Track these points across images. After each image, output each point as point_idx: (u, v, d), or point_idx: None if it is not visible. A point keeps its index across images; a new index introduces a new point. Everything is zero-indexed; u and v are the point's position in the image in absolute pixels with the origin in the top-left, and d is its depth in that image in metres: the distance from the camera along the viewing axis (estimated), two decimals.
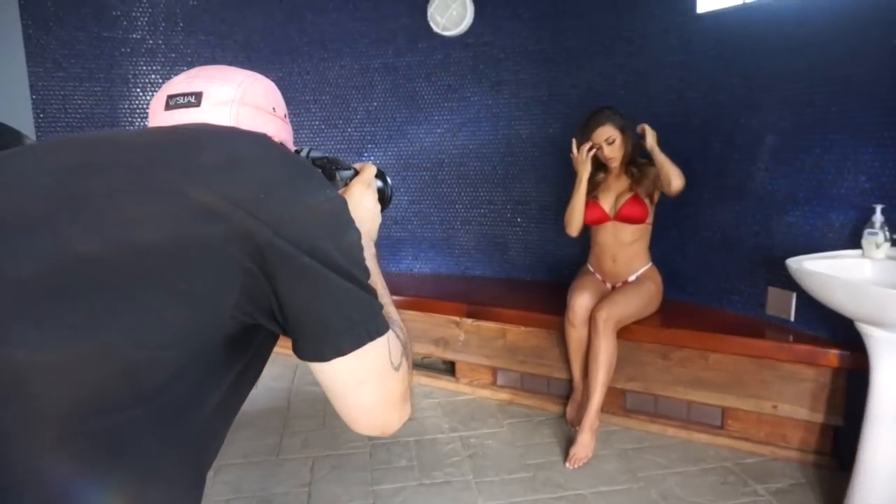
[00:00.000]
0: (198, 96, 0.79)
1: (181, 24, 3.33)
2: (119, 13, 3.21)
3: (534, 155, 3.26)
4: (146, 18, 3.27)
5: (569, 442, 2.41)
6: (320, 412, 2.81)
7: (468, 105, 3.38)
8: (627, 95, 2.87)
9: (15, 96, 2.94)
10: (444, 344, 3.02)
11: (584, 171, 2.57)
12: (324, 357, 0.65)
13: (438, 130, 3.46)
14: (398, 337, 0.74)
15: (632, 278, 2.62)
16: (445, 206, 3.53)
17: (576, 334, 2.50)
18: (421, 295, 3.10)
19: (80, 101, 3.20)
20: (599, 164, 2.61)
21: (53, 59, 3.11)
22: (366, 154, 3.58)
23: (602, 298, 2.49)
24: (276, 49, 3.46)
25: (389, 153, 3.56)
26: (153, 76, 3.33)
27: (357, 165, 0.99)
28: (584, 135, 2.53)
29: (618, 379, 2.55)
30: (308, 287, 0.63)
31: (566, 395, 2.71)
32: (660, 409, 2.56)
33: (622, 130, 2.50)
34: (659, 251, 2.79)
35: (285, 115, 0.90)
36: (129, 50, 3.26)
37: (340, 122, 3.56)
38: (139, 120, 3.33)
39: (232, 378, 0.68)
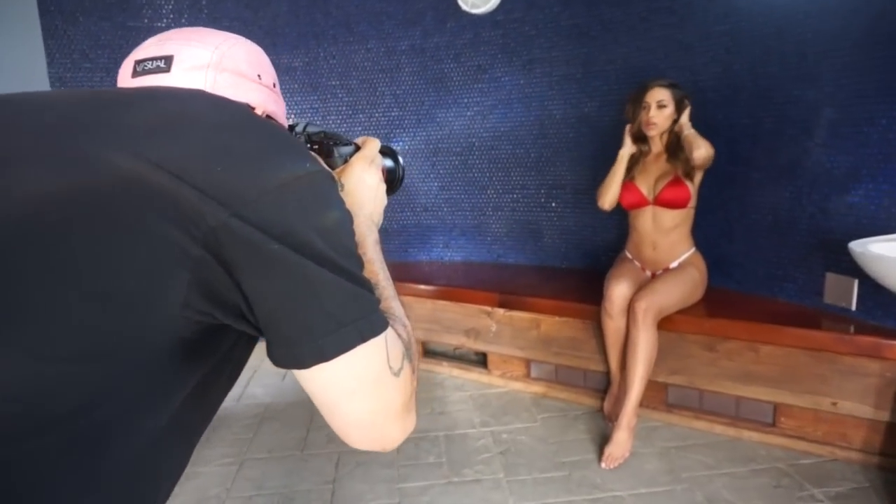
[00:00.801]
0: (167, 60, 0.69)
1: (206, 11, 3.28)
2: (144, 1, 3.17)
3: (568, 136, 3.10)
4: (171, 6, 3.22)
5: (606, 439, 2.27)
6: None
7: (499, 86, 3.23)
8: (669, 70, 2.68)
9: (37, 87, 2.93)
10: (476, 335, 2.91)
11: (627, 148, 2.42)
12: (303, 363, 0.54)
13: (468, 113, 3.33)
14: (400, 336, 0.64)
15: (673, 265, 2.45)
16: (476, 192, 3.40)
17: (613, 325, 2.35)
18: (451, 284, 2.99)
19: None
20: (640, 137, 2.45)
21: (80, 50, 3.10)
22: (394, 139, 3.47)
23: (641, 287, 2.33)
24: (301, 33, 3.38)
25: (418, 138, 3.45)
26: None
27: (359, 140, 0.88)
28: (639, 95, 2.40)
29: (659, 372, 2.40)
30: (280, 280, 0.52)
31: (603, 388, 2.57)
32: (705, 405, 2.39)
33: (677, 102, 2.34)
34: (703, 235, 2.61)
35: (274, 85, 0.79)
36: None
37: (367, 107, 3.46)
38: None
39: (188, 391, 0.57)
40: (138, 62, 0.71)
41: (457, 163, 3.41)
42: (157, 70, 0.69)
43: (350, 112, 3.48)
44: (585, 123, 3.03)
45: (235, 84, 0.71)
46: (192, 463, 2.28)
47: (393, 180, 1.02)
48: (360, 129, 3.49)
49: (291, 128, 0.89)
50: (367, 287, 0.58)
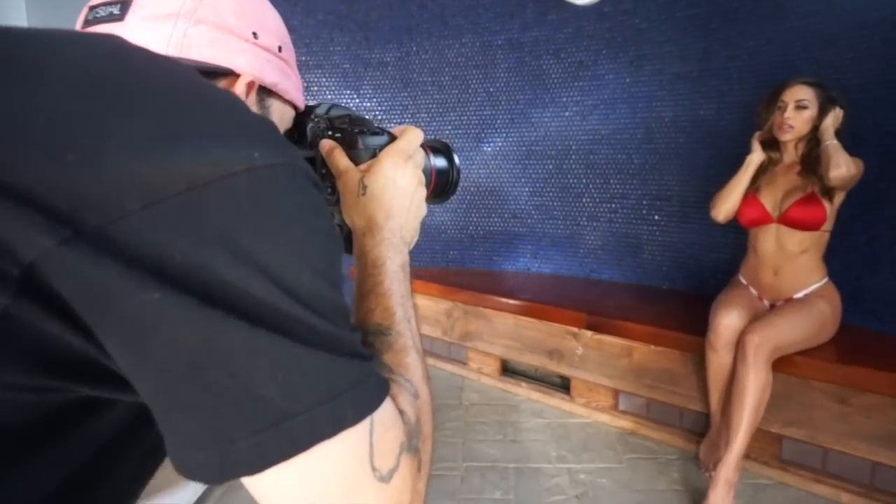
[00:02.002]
0: (124, 5, 0.51)
1: (301, 4, 3.24)
2: None
3: (678, 142, 2.75)
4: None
5: (702, 493, 1.93)
6: None
7: (602, 84, 2.94)
8: (806, 66, 2.29)
9: None
10: (559, 357, 2.64)
11: (756, 154, 2.07)
12: (217, 476, 0.35)
13: (566, 114, 3.06)
14: (403, 415, 0.44)
15: (798, 296, 2.06)
16: (571, 200, 3.12)
17: (717, 360, 2.01)
18: (536, 299, 2.74)
19: None
20: (771, 143, 2.09)
21: None
22: (485, 140, 3.27)
23: (755, 318, 1.98)
24: (394, 27, 3.25)
25: (510, 139, 3.22)
26: None
27: (397, 129, 0.68)
28: (775, 92, 2.05)
29: (773, 421, 2.03)
30: (166, 349, 0.33)
31: (703, 431, 2.22)
32: (830, 467, 1.99)
33: (821, 105, 1.97)
34: (839, 264, 2.20)
35: (280, 49, 0.60)
36: None
37: (459, 104, 3.28)
38: None
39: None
40: (91, 7, 0.53)
41: (551, 167, 3.15)
42: (110, 18, 0.51)
43: (440, 110, 3.31)
44: (699, 128, 2.67)
45: (215, 41, 0.53)
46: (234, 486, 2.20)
47: (445, 184, 0.82)
48: (450, 128, 3.32)
49: (311, 109, 0.70)
50: (347, 348, 0.39)
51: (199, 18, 0.52)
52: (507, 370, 2.92)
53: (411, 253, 0.64)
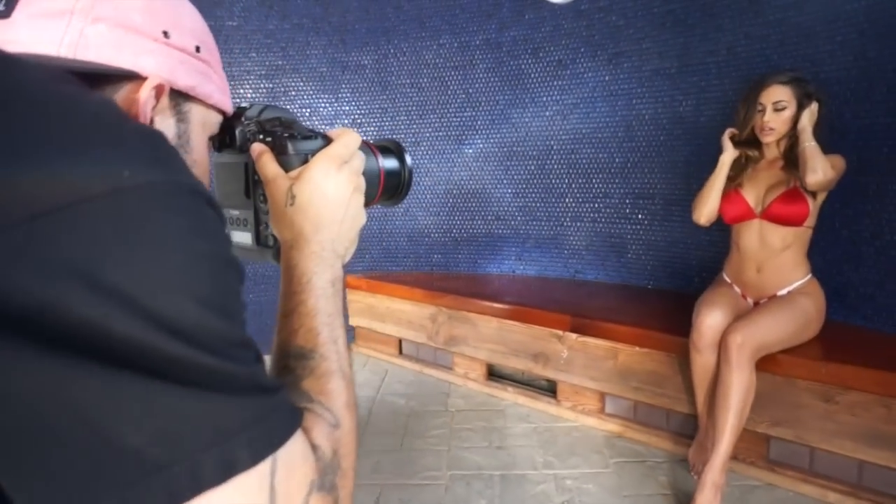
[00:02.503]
0: (9, 1, 0.46)
1: (276, 8, 3.19)
2: (215, 0, 3.12)
3: (658, 140, 2.73)
4: (241, 4, 3.16)
5: (689, 496, 1.90)
6: (400, 429, 2.52)
7: (581, 83, 2.91)
8: (783, 60, 2.27)
9: None
10: (545, 360, 2.60)
11: (728, 153, 2.04)
12: None
13: (546, 113, 3.03)
14: (317, 450, 0.42)
15: (781, 293, 2.04)
16: (554, 200, 3.09)
17: (701, 361, 1.98)
18: (520, 302, 2.71)
19: None
20: (752, 141, 2.06)
21: None
22: (466, 142, 3.23)
23: (739, 317, 1.95)
24: (371, 29, 3.21)
25: (491, 141, 3.18)
26: (248, 64, 3.22)
27: (334, 132, 0.63)
28: (752, 93, 2.01)
29: (759, 421, 2.01)
30: (10, 406, 0.30)
31: (690, 433, 2.20)
32: (817, 466, 1.97)
33: (799, 102, 1.94)
34: (822, 259, 2.18)
35: (199, 49, 0.54)
36: (223, 38, 3.17)
37: (438, 106, 3.24)
38: None
39: None
40: None
41: (533, 167, 3.11)
42: None
43: (420, 112, 3.27)
44: (679, 125, 2.64)
45: (117, 42, 0.47)
46: None
47: (397, 186, 0.78)
48: (430, 130, 3.28)
49: (242, 111, 0.66)
50: (241, 384, 0.35)
51: (97, 16, 0.46)
52: (494, 375, 2.89)
53: (347, 266, 0.61)
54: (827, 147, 1.96)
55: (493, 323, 2.76)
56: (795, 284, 2.03)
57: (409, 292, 3.07)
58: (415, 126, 3.29)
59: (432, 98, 3.24)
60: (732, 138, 2.05)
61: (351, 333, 3.48)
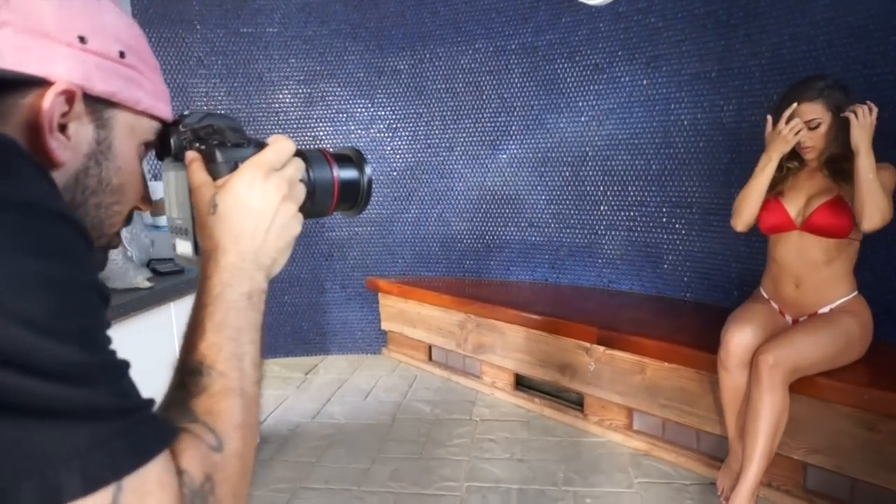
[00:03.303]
0: None
1: (314, 14, 3.23)
2: (256, 7, 3.19)
3: (698, 146, 2.61)
4: (281, 11, 3.22)
5: None
6: (422, 437, 2.50)
7: (617, 87, 2.82)
8: (831, 62, 2.13)
9: None
10: (572, 372, 2.53)
11: (777, 149, 1.88)
12: None
13: (582, 119, 2.95)
14: (184, 474, 0.40)
15: (823, 311, 1.90)
16: (588, 208, 3.01)
17: (730, 381, 1.87)
18: (548, 311, 2.64)
19: (221, 98, 3.25)
20: (792, 153, 1.93)
21: (196, 57, 3.19)
22: (500, 147, 3.18)
23: (773, 336, 1.83)
24: (407, 34, 3.21)
25: (526, 146, 3.13)
26: (287, 70, 3.28)
27: (270, 139, 0.61)
28: (782, 109, 1.86)
29: (796, 447, 1.88)
30: None
31: (722, 456, 2.08)
32: (858, 499, 1.82)
33: (834, 113, 1.80)
34: (871, 274, 2.04)
35: (123, 54, 0.52)
36: (264, 44, 3.23)
37: (473, 111, 3.21)
38: (275, 117, 3.30)
39: None
40: None
41: (567, 174, 3.04)
42: None
43: (454, 117, 3.25)
44: (720, 131, 2.52)
45: (24, 47, 0.46)
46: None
47: (356, 195, 0.75)
48: (464, 135, 3.25)
49: (182, 118, 0.64)
50: (76, 408, 0.34)
51: (2, 21, 0.45)
52: (522, 385, 2.83)
53: (275, 278, 0.58)
54: (876, 156, 1.82)
55: (521, 332, 2.71)
56: (839, 302, 1.90)
57: (439, 298, 3.05)
58: (449, 131, 3.27)
59: (467, 103, 3.21)
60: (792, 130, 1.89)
61: (383, 338, 3.49)
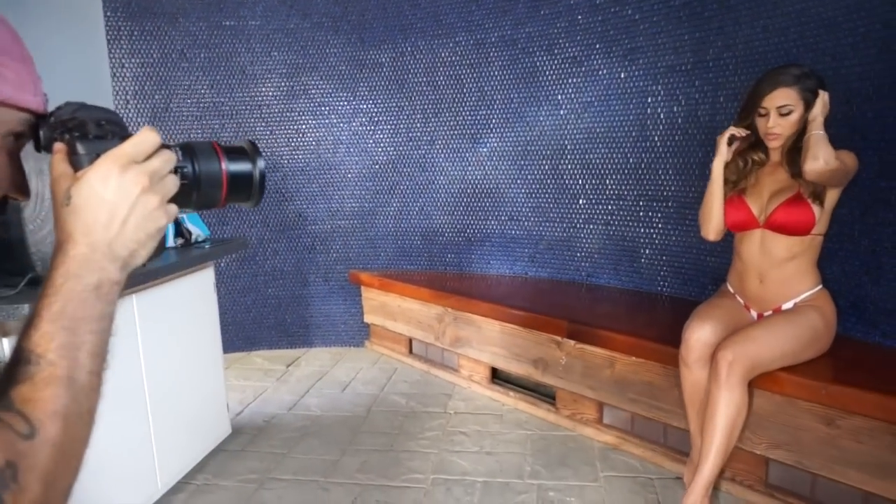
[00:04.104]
0: None
1: (295, 7, 3.23)
2: (239, 1, 3.19)
3: (674, 139, 2.59)
4: (264, 4, 3.21)
5: None
6: (395, 430, 2.51)
7: (595, 80, 2.80)
8: (802, 54, 2.10)
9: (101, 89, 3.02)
10: (545, 366, 2.53)
11: (719, 158, 1.90)
12: None
13: (561, 112, 2.93)
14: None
15: (787, 306, 1.89)
16: (567, 201, 3.00)
17: (690, 377, 1.87)
18: (521, 305, 2.63)
19: (204, 91, 3.26)
20: (756, 143, 1.91)
21: (179, 50, 3.19)
22: (480, 141, 3.17)
23: (736, 331, 1.82)
24: (388, 27, 3.21)
25: (506, 139, 3.12)
26: (270, 63, 3.28)
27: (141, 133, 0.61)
28: (755, 97, 1.84)
29: (758, 442, 1.88)
30: None
31: (688, 450, 2.07)
32: (819, 494, 1.81)
33: (806, 102, 1.78)
34: (839, 270, 2.02)
35: None
36: (246, 37, 3.24)
37: (453, 104, 3.20)
38: (258, 111, 3.31)
39: None
40: None
41: (547, 167, 3.03)
42: None
43: (435, 110, 3.24)
44: (694, 124, 2.50)
45: None
46: (215, 474, 2.18)
47: (248, 187, 0.75)
48: (445, 129, 3.24)
49: (57, 109, 0.65)
50: None
51: None
52: (498, 378, 2.83)
53: (135, 270, 0.58)
54: (846, 147, 1.80)
55: (497, 326, 2.71)
56: (803, 296, 1.88)
57: (418, 291, 3.05)
58: (431, 124, 3.26)
59: (448, 96, 3.20)
60: (730, 141, 1.90)
61: (366, 331, 3.50)
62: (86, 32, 2.81)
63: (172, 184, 0.62)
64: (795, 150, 1.82)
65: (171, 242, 2.14)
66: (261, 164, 0.75)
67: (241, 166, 0.74)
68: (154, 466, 1.91)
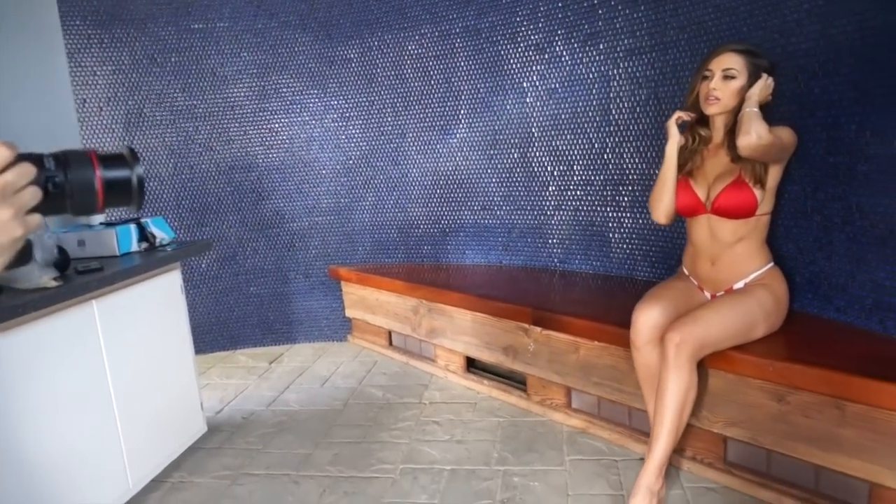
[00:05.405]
0: None
1: (263, 7, 3.24)
2: (206, 2, 3.21)
3: (637, 123, 2.59)
4: (230, 6, 3.23)
5: None
6: (369, 422, 2.55)
7: (559, 66, 2.80)
8: (753, 32, 2.10)
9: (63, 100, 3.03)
10: (514, 353, 2.55)
11: (672, 141, 1.92)
12: None
13: (527, 100, 2.94)
14: None
15: (738, 286, 1.90)
16: (537, 189, 3.01)
17: (641, 360, 1.89)
18: (490, 294, 2.66)
19: (176, 95, 3.29)
20: (702, 118, 1.93)
21: (149, 55, 3.22)
22: (449, 132, 3.19)
23: (686, 313, 1.83)
24: (354, 22, 3.21)
25: (475, 130, 3.13)
26: (241, 64, 3.30)
27: None
28: (704, 64, 1.88)
29: (715, 420, 1.90)
30: None
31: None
32: (774, 470, 1.83)
33: (751, 74, 1.79)
34: (795, 247, 2.04)
35: None
36: (215, 39, 3.26)
37: (422, 97, 3.21)
38: (230, 112, 3.33)
39: None
40: None
41: (516, 156, 3.04)
42: None
43: (405, 104, 3.26)
44: (653, 105, 2.50)
45: None
46: (190, 472, 2.22)
47: (127, 193, 0.78)
48: (414, 121, 3.26)
49: None
50: None
51: None
52: (474, 367, 2.86)
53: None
54: (794, 125, 1.81)
55: (468, 315, 2.73)
56: (753, 276, 1.89)
57: (393, 284, 3.09)
58: (401, 118, 3.28)
59: (416, 89, 3.21)
60: (679, 123, 1.91)
61: (348, 325, 3.53)
62: (44, 42, 2.81)
63: (31, 195, 0.65)
64: (735, 133, 1.82)
65: (134, 247, 2.18)
66: (139, 169, 0.79)
67: (119, 173, 0.78)
68: (124, 466, 1.96)
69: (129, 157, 0.79)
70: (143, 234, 2.23)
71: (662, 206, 1.97)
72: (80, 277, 1.78)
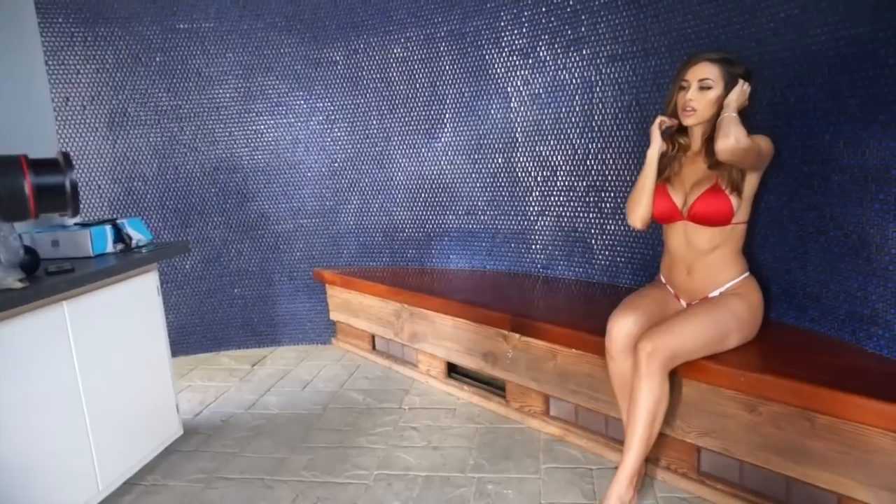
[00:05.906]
0: None
1: (248, 8, 3.23)
2: (192, 1, 3.20)
3: (620, 129, 2.58)
4: (216, 6, 3.22)
5: None
6: (348, 426, 2.53)
7: (542, 71, 2.79)
8: (730, 40, 2.09)
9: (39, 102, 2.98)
10: (494, 360, 2.54)
11: (654, 146, 1.91)
12: None
13: (511, 105, 2.93)
14: None
15: (713, 294, 1.89)
16: (521, 194, 3.00)
17: (616, 368, 1.88)
18: (470, 300, 2.64)
19: (161, 95, 3.28)
20: (681, 126, 1.92)
21: (134, 55, 3.21)
22: (434, 136, 3.18)
23: (660, 322, 1.82)
24: (340, 25, 3.21)
25: (459, 134, 3.12)
26: (226, 65, 3.29)
27: None
28: (680, 73, 1.87)
29: (688, 430, 1.89)
30: None
31: None
32: (747, 481, 1.83)
33: (727, 84, 1.78)
34: (771, 256, 2.03)
35: None
36: (200, 39, 3.25)
37: (406, 100, 3.21)
38: (216, 113, 3.32)
39: None
40: None
41: (500, 161, 3.03)
42: None
43: (390, 107, 3.25)
44: (636, 111, 2.49)
45: None
46: (165, 475, 2.21)
47: (61, 197, 0.78)
48: (399, 125, 3.25)
49: None
50: None
51: None
52: (456, 373, 2.85)
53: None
54: (771, 134, 1.80)
55: (449, 321, 2.72)
56: (728, 285, 1.88)
57: (376, 288, 3.07)
58: (386, 121, 3.27)
59: (401, 92, 3.21)
60: (662, 128, 1.91)
61: (332, 328, 3.52)
62: (18, 39, 2.77)
63: None
64: (713, 140, 1.81)
65: (109, 248, 2.16)
66: (72, 175, 0.78)
67: (51, 179, 0.77)
68: (93, 468, 1.94)
69: (63, 163, 0.78)
70: (119, 235, 2.22)
71: (640, 210, 1.97)
72: (49, 279, 1.76)
